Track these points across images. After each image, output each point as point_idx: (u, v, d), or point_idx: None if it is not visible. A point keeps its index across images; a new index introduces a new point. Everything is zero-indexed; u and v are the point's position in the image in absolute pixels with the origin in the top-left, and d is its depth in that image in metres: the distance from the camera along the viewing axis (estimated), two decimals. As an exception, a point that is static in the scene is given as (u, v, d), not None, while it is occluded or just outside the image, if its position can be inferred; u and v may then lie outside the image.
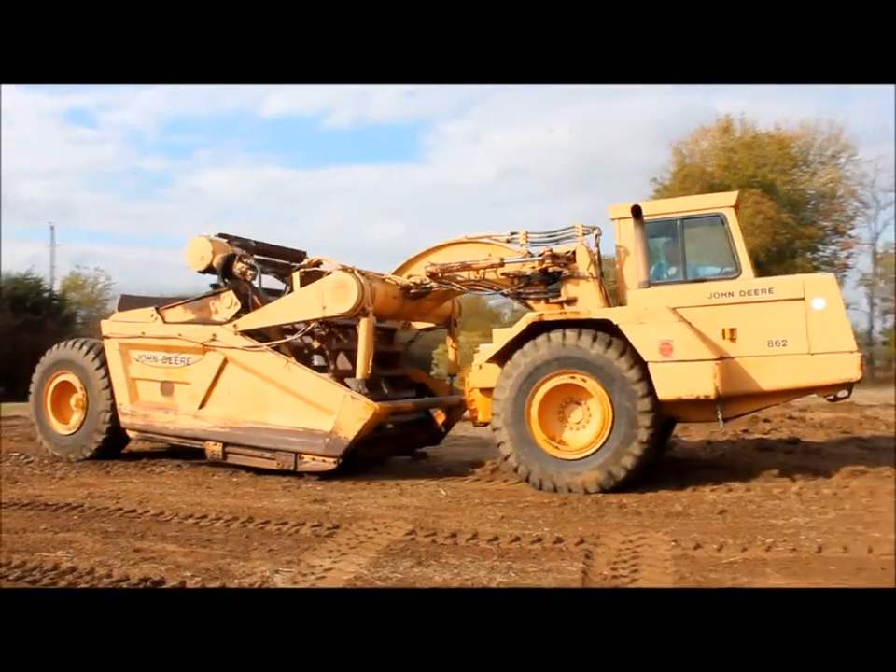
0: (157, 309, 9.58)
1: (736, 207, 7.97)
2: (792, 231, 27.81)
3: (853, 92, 56.11)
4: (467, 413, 9.21)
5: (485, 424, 8.52)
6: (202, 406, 8.97)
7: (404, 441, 9.92)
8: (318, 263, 8.96)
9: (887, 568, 4.71)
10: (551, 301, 8.39)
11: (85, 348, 10.10)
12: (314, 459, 8.30)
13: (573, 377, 7.47)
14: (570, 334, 7.49)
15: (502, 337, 7.94)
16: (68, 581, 4.73)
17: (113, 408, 9.70)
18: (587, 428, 7.51)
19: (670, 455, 9.47)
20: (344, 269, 8.56)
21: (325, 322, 8.82)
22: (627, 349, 7.37)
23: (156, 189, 75.00)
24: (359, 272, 8.56)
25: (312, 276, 8.88)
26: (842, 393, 7.62)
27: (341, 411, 8.12)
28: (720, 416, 7.42)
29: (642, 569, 4.81)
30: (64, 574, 4.86)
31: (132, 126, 79.52)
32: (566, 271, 8.27)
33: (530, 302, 8.59)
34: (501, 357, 7.89)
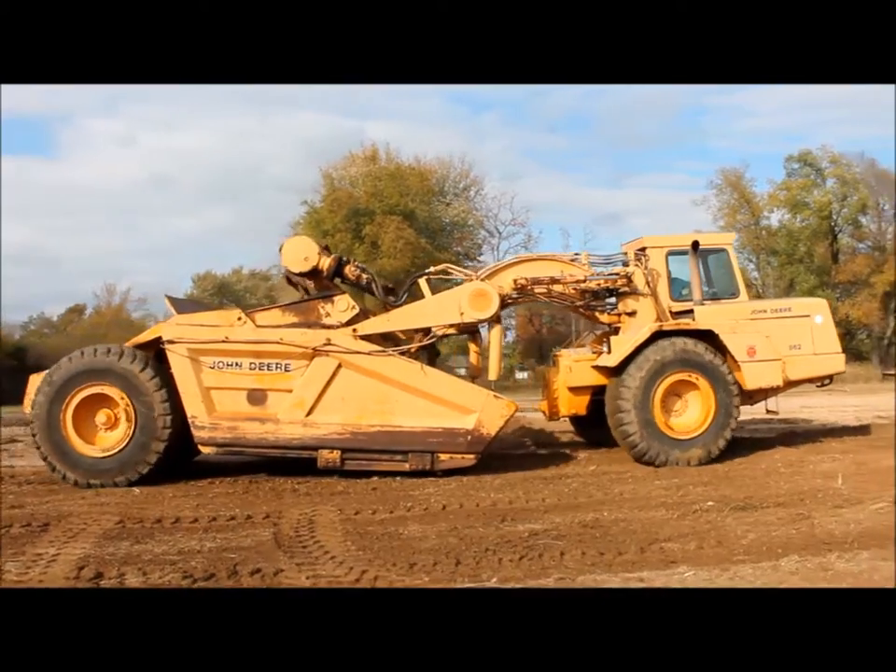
0: (245, 312, 9.07)
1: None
2: (429, 256, 31.13)
3: (483, 132, 63.60)
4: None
5: (560, 418, 10.61)
6: (308, 414, 8.75)
7: None
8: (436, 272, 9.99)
9: (488, 513, 6.78)
10: (611, 312, 10.42)
11: (120, 354, 8.72)
12: (452, 458, 8.71)
13: (689, 375, 9.59)
14: (690, 342, 9.63)
15: (628, 343, 9.68)
16: None
17: (173, 422, 8.62)
18: (684, 415, 9.72)
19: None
20: (478, 279, 9.63)
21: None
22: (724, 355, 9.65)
23: None
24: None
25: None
26: (827, 381, 10.75)
27: (483, 409, 8.71)
28: (773, 399, 10.49)
29: (318, 530, 6.34)
30: None
31: None
32: (626, 288, 10.22)
33: (596, 314, 10.54)
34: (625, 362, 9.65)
